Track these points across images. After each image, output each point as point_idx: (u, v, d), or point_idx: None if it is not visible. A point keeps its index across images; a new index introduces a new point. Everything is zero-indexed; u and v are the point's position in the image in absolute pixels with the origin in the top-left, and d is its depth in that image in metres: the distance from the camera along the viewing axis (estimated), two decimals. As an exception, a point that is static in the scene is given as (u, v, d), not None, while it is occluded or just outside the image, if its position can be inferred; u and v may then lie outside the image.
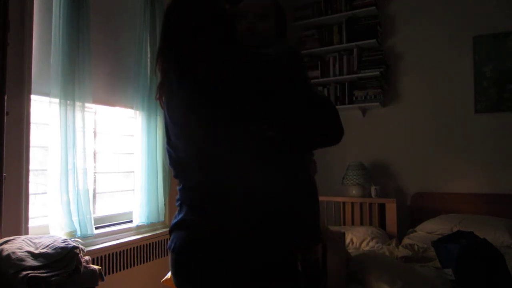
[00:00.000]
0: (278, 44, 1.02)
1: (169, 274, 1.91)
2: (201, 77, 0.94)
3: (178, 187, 1.07)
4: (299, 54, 1.09)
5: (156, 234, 2.59)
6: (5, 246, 1.54)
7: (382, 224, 3.21)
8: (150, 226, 2.61)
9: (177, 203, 1.06)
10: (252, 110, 0.94)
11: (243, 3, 1.09)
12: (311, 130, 0.98)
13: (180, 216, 1.02)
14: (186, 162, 1.02)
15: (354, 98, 3.53)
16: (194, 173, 1.01)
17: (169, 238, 1.05)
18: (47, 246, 1.60)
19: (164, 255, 2.62)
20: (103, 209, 2.49)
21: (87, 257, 1.74)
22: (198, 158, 0.99)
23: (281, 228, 0.97)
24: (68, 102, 2.05)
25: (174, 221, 1.04)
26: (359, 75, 3.48)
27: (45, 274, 1.45)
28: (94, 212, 2.32)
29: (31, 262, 1.48)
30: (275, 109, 0.93)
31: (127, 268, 2.34)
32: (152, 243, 2.55)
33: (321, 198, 3.91)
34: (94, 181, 2.41)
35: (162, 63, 1.03)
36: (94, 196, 2.39)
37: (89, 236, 2.11)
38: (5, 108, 1.73)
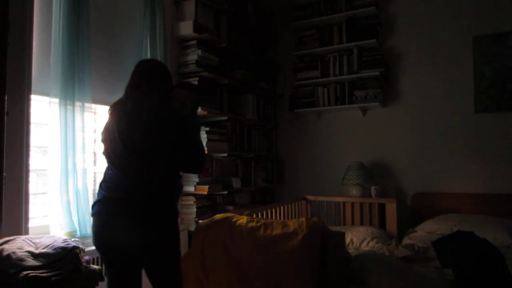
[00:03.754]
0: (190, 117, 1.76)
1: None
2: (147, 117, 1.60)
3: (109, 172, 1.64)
4: (199, 121, 1.86)
5: (156, 234, 2.58)
6: (5, 246, 1.54)
7: (382, 224, 3.21)
8: (150, 226, 2.60)
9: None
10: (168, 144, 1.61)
11: (176, 91, 1.78)
12: (192, 160, 1.67)
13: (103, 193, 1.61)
14: (128, 160, 1.58)
15: (354, 98, 3.53)
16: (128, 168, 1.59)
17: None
18: (47, 246, 1.60)
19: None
20: (103, 209, 2.48)
21: (87, 257, 1.74)
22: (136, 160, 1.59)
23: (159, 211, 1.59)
24: (68, 102, 2.06)
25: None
26: (359, 75, 3.48)
27: (45, 274, 1.45)
28: (94, 212, 2.32)
29: (31, 262, 1.49)
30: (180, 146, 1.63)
31: (127, 268, 2.33)
32: (152, 243, 2.54)
33: (321, 198, 3.89)
34: (94, 181, 2.41)
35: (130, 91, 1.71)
36: (94, 196, 2.39)
37: (89, 236, 2.11)
38: (5, 108, 1.73)
